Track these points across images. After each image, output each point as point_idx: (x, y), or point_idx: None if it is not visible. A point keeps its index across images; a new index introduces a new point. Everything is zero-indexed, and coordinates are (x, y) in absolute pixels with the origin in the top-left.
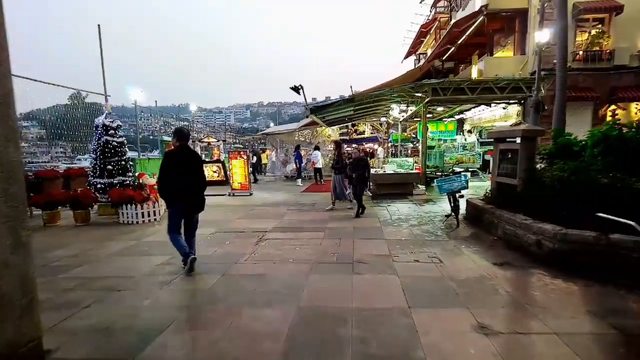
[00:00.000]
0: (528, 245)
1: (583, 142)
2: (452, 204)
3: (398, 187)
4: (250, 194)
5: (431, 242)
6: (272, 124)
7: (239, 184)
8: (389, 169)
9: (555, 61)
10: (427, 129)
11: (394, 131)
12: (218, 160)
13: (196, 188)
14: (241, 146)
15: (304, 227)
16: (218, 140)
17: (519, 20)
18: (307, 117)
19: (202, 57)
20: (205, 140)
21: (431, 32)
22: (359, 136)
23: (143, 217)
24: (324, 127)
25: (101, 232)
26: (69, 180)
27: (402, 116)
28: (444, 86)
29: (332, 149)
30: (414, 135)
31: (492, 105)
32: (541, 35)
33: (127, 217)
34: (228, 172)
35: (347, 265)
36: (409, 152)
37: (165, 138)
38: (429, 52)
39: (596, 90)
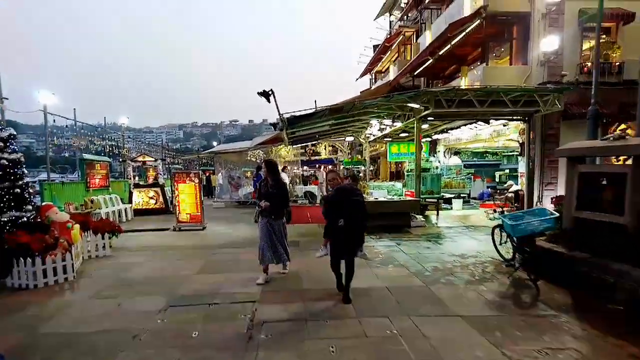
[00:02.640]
0: None
1: None
2: (519, 250)
3: (393, 218)
4: (203, 228)
5: (536, 320)
6: (215, 144)
7: (188, 215)
8: (379, 195)
9: (563, 72)
10: (422, 147)
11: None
12: (156, 184)
13: None
14: (180, 167)
15: (315, 290)
16: (156, 160)
17: (518, 26)
18: (281, 129)
19: (129, 73)
20: (140, 160)
21: (393, 47)
22: (314, 157)
23: (45, 276)
24: (280, 147)
25: None
26: None
27: (380, 133)
28: (448, 97)
29: (287, 169)
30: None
31: (491, 122)
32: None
33: (20, 278)
34: (169, 198)
35: None
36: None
37: (87, 156)
38: (391, 69)
39: (605, 107)
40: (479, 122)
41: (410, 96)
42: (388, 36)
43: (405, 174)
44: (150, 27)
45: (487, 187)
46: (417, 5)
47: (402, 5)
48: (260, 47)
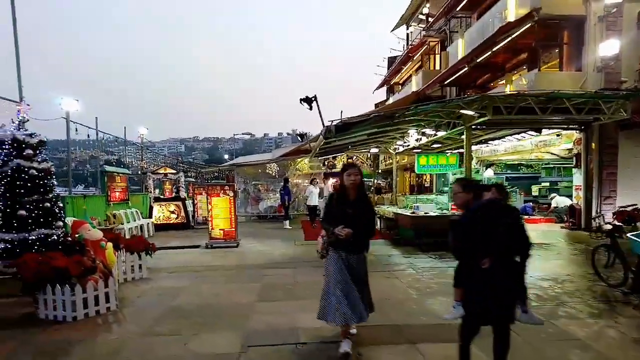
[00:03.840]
0: None
1: None
2: None
3: (444, 235)
4: (237, 245)
5: None
6: (227, 157)
7: (221, 231)
8: (427, 209)
9: (623, 79)
10: (472, 158)
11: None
12: (177, 198)
13: None
14: (193, 180)
15: (416, 326)
16: (177, 172)
17: (570, 30)
18: (326, 138)
19: (130, 89)
20: (161, 172)
21: (415, 57)
22: (331, 170)
23: (86, 306)
24: (300, 159)
25: None
26: None
27: (417, 143)
28: (507, 103)
29: (316, 182)
30: (379, 171)
31: (543, 131)
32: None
33: (55, 309)
34: (190, 212)
35: None
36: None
37: (109, 168)
38: (414, 79)
39: None
40: (526, 132)
41: (467, 102)
42: (410, 46)
43: (450, 185)
44: (148, 42)
45: (525, 202)
46: (447, 14)
47: (421, 16)
48: (264, 61)
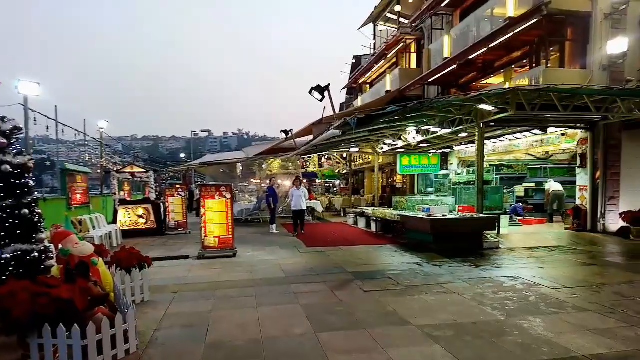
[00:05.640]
0: None
1: None
2: None
3: (464, 239)
4: (234, 255)
5: None
6: (183, 156)
7: (216, 239)
8: (440, 212)
9: (628, 78)
10: (484, 157)
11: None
12: (146, 200)
13: None
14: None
15: None
16: (147, 171)
17: (574, 27)
18: (344, 132)
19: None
20: (127, 171)
21: (389, 56)
22: (302, 170)
23: (100, 352)
24: (272, 160)
25: None
26: None
27: (414, 142)
28: (531, 98)
29: (300, 183)
30: (344, 172)
31: (548, 130)
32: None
33: (54, 357)
34: (162, 215)
35: None
36: (338, 189)
37: (70, 166)
38: (388, 78)
39: None
40: (545, 131)
41: (489, 95)
42: (385, 44)
43: (452, 186)
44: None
45: (514, 202)
46: (429, 10)
47: (390, 15)
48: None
